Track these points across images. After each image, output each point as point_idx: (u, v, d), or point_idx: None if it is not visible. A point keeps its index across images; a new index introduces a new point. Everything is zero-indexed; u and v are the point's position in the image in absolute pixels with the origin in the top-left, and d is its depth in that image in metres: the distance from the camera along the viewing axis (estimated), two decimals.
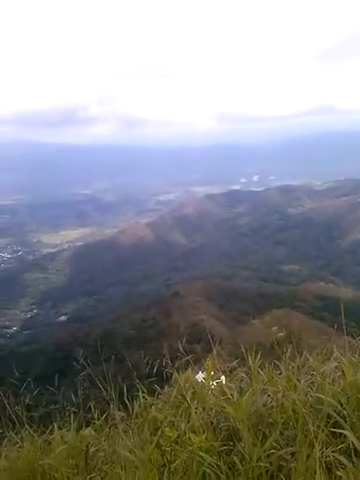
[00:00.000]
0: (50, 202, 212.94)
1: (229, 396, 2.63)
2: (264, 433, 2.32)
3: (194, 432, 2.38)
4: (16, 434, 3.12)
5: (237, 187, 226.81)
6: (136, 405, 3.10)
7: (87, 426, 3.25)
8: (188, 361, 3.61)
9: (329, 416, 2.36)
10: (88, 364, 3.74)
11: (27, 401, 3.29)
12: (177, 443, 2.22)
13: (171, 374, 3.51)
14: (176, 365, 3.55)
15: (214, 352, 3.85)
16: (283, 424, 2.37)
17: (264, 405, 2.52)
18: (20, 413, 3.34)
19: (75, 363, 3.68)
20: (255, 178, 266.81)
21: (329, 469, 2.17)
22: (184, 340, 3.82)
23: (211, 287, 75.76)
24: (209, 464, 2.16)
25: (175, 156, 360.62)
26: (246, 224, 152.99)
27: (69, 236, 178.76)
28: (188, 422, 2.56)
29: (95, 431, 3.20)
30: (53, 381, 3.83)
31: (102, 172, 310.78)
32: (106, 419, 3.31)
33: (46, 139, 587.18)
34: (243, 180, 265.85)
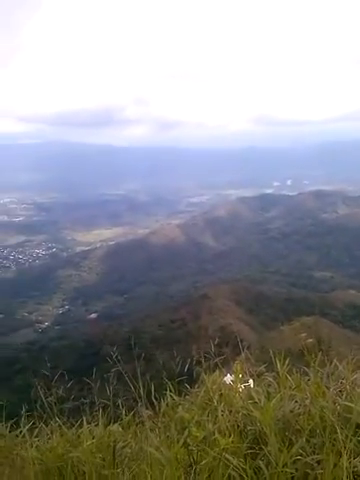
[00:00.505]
0: (85, 201, 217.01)
1: (256, 400, 2.63)
2: (290, 439, 2.31)
3: (220, 434, 2.40)
4: (46, 426, 3.21)
5: (270, 191, 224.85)
6: (163, 404, 3.14)
7: (115, 422, 3.30)
8: (216, 363, 3.63)
9: (358, 426, 2.33)
10: (119, 361, 3.80)
11: (59, 393, 3.37)
12: (204, 443, 2.25)
13: (199, 376, 3.54)
14: (204, 367, 3.58)
15: (242, 356, 3.85)
16: (310, 431, 2.36)
17: (291, 411, 2.51)
18: (51, 405, 3.44)
19: (109, 359, 3.75)
20: (289, 182, 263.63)
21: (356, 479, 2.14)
22: (213, 343, 3.84)
23: (240, 291, 75.26)
24: (235, 467, 2.17)
25: (208, 158, 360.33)
26: (278, 228, 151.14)
27: (102, 235, 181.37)
28: (214, 423, 2.58)
29: (122, 428, 3.25)
30: (82, 376, 3.92)
31: (136, 173, 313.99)
32: (133, 416, 3.37)
33: (83, 139, 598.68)
34: (276, 184, 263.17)
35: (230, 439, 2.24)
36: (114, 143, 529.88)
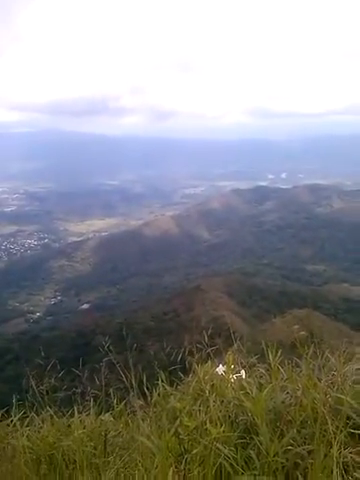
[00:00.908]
0: (78, 191, 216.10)
1: (248, 391, 2.64)
2: (282, 430, 2.32)
3: (212, 424, 2.40)
4: (38, 415, 3.21)
5: (264, 183, 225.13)
6: (155, 394, 3.14)
7: (107, 412, 3.31)
8: (208, 354, 3.64)
9: (349, 417, 2.34)
10: (110, 351, 3.80)
11: (52, 383, 3.36)
12: (195, 433, 2.25)
13: (191, 366, 3.55)
14: (196, 357, 3.58)
15: (234, 347, 3.86)
16: (301, 422, 2.37)
17: (283, 402, 2.51)
18: (42, 395, 3.44)
19: (100, 349, 3.75)
20: (283, 175, 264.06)
21: (346, 470, 2.16)
22: (205, 334, 3.85)
23: (233, 283, 75.54)
24: (226, 456, 2.18)
25: (203, 150, 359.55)
26: (272, 221, 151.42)
27: (95, 225, 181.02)
28: (206, 413, 2.58)
29: (114, 417, 3.26)
30: (73, 367, 3.91)
31: (131, 163, 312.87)
32: (125, 406, 3.37)
33: (77, 128, 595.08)
34: (271, 177, 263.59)
35: (221, 429, 2.24)
36: (109, 132, 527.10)
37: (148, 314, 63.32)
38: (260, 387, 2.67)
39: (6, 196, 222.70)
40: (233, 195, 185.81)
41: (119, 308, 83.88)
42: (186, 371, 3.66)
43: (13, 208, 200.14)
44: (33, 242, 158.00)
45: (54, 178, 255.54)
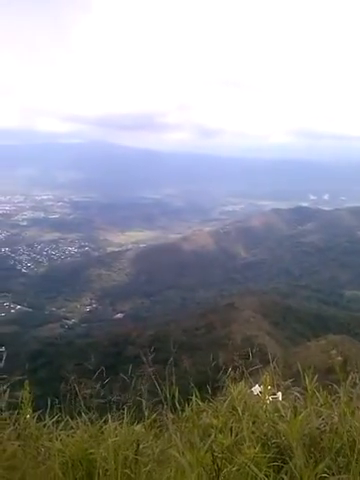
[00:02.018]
0: (120, 203, 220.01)
1: (282, 414, 2.60)
2: (316, 456, 2.28)
3: (245, 443, 2.39)
4: (72, 419, 3.27)
5: (306, 204, 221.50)
6: (187, 409, 3.15)
7: (138, 422, 3.33)
8: (242, 373, 3.62)
9: None
10: (142, 363, 3.84)
11: (86, 390, 3.43)
12: (229, 451, 2.24)
13: (223, 383, 3.54)
14: (230, 376, 3.57)
15: (268, 369, 3.82)
16: (337, 450, 2.32)
17: (318, 428, 2.47)
18: (77, 400, 3.51)
19: (132, 360, 3.80)
20: (326, 197, 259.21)
21: None
22: (237, 353, 3.83)
23: (267, 303, 74.39)
24: (260, 478, 2.15)
25: (246, 168, 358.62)
26: (311, 243, 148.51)
27: (134, 237, 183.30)
28: (237, 434, 2.57)
29: (144, 428, 3.28)
30: (104, 375, 3.96)
31: (173, 178, 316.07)
32: (156, 418, 3.39)
33: (124, 142, 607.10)
34: (313, 198, 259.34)
35: (256, 449, 2.22)
36: (154, 147, 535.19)
37: (180, 328, 63.16)
38: (295, 411, 2.64)
39: (51, 203, 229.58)
40: (273, 214, 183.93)
41: (151, 320, 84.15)
42: (218, 388, 3.65)
43: (57, 216, 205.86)
44: (74, 249, 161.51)
45: (98, 189, 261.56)
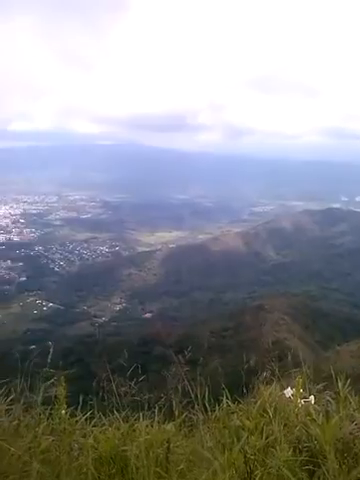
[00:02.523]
0: (151, 203, 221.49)
1: (314, 417, 2.58)
2: (349, 462, 2.25)
3: (274, 447, 2.38)
4: (105, 416, 3.33)
5: (337, 205, 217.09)
6: (218, 410, 3.16)
7: (168, 422, 3.36)
8: (272, 376, 3.60)
9: None
10: (171, 363, 3.87)
11: (124, 389, 3.49)
12: (261, 453, 2.24)
13: (253, 385, 3.53)
14: (261, 378, 3.56)
15: (299, 372, 3.78)
16: None
17: (351, 433, 2.44)
18: (108, 398, 3.58)
19: (161, 360, 3.83)
20: (358, 198, 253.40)
21: None
22: (267, 356, 3.82)
23: (297, 305, 73.20)
24: None
25: (276, 169, 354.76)
26: (343, 245, 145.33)
27: (164, 237, 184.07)
28: (267, 437, 2.56)
29: (175, 428, 3.30)
30: (134, 374, 4.02)
31: (203, 178, 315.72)
32: (186, 418, 3.41)
33: (155, 143, 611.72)
34: (344, 199, 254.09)
35: (289, 453, 2.22)
36: (185, 148, 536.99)
37: (208, 329, 62.95)
38: (327, 415, 2.61)
39: (84, 203, 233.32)
40: (303, 215, 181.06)
41: (180, 320, 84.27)
42: (247, 390, 3.64)
43: (89, 216, 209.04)
44: (105, 249, 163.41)
45: (129, 189, 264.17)
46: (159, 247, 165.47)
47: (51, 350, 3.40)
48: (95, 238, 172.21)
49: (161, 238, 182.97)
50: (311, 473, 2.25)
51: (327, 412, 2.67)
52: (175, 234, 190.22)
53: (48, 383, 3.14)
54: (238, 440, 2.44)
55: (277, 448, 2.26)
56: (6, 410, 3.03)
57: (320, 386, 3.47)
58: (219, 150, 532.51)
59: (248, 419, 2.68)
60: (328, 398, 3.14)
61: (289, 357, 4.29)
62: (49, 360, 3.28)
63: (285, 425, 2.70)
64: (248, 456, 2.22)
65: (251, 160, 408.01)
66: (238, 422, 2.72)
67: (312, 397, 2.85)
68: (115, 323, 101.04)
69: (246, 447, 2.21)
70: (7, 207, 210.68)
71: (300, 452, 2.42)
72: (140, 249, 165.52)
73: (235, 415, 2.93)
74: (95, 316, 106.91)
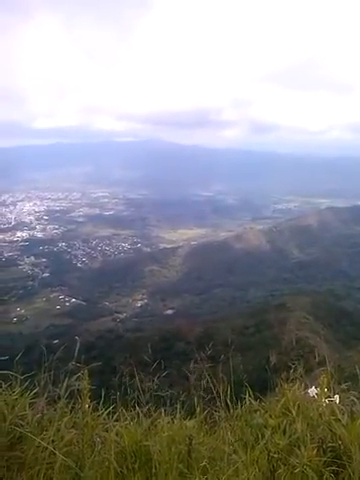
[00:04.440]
0: (173, 200, 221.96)
1: (339, 417, 2.54)
2: None
3: (297, 446, 2.35)
4: (127, 411, 3.35)
5: None
6: (240, 407, 3.14)
7: (189, 418, 3.36)
8: (295, 374, 3.56)
9: None
10: (190, 360, 3.87)
11: (148, 384, 3.50)
12: (284, 452, 2.21)
13: (274, 383, 3.50)
14: (283, 376, 3.52)
15: (323, 371, 3.73)
16: None
17: None
18: (130, 393, 3.60)
19: (182, 356, 3.83)
20: None
21: None
22: (290, 354, 3.78)
23: (320, 304, 72.24)
24: None
25: (301, 165, 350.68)
26: None
27: (186, 234, 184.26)
28: (290, 436, 2.53)
29: (196, 425, 3.30)
30: (153, 369, 4.03)
31: (226, 175, 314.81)
32: (208, 415, 3.40)
33: (178, 139, 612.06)
34: None
35: (313, 452, 2.18)
36: (208, 144, 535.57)
37: (229, 326, 62.72)
38: (352, 415, 2.56)
39: (107, 200, 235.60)
40: (328, 213, 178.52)
41: (201, 317, 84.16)
42: (269, 388, 3.61)
43: (112, 212, 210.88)
44: (127, 246, 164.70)
45: (152, 186, 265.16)
46: (181, 244, 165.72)
47: (78, 344, 3.43)
48: (117, 235, 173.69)
49: (183, 235, 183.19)
50: (336, 474, 2.21)
51: (352, 412, 2.62)
52: (197, 231, 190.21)
53: (73, 378, 3.17)
54: (261, 438, 2.41)
55: (301, 447, 2.23)
56: (30, 403, 3.07)
57: (344, 385, 3.41)
58: (243, 146, 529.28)
59: (271, 417, 2.64)
60: (353, 398, 3.09)
61: (315, 356, 4.24)
62: (76, 354, 3.31)
63: (309, 424, 2.66)
64: (271, 454, 2.20)
65: (275, 156, 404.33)
66: (261, 420, 2.69)
67: (337, 396, 2.80)
68: (136, 319, 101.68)
69: (269, 445, 2.18)
70: (31, 204, 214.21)
71: (324, 452, 2.38)
72: (162, 246, 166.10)
73: (257, 413, 2.91)
74: (117, 312, 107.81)
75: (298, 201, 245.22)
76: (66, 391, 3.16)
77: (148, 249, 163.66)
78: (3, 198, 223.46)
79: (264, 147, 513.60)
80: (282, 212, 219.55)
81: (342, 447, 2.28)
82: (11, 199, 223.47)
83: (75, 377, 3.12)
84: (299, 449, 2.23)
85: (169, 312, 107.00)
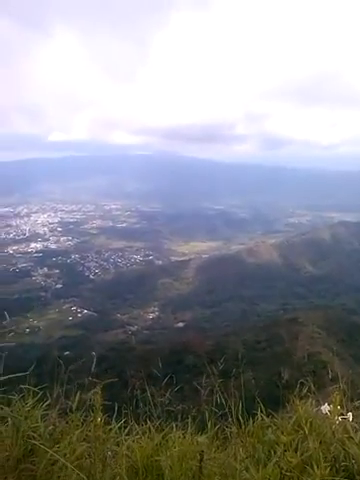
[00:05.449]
0: (185, 213, 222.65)
1: (352, 435, 2.51)
2: None
3: (310, 464, 2.32)
4: (138, 425, 3.35)
5: None
6: (251, 423, 3.12)
7: (200, 433, 3.34)
8: (308, 391, 3.53)
9: None
10: (201, 374, 3.86)
11: (161, 399, 3.50)
12: (296, 470, 2.19)
13: (286, 399, 3.47)
14: (295, 392, 3.49)
15: (335, 387, 3.69)
16: None
17: None
18: (142, 407, 3.60)
19: (192, 370, 3.83)
20: None
21: None
22: (298, 369, 3.76)
23: (333, 319, 71.30)
24: None
25: (313, 179, 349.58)
26: None
27: (197, 247, 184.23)
28: (302, 453, 2.50)
29: (208, 440, 3.28)
30: (165, 383, 4.02)
31: (238, 189, 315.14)
32: (219, 430, 3.38)
33: (191, 153, 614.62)
34: None
35: (326, 471, 2.16)
36: (221, 158, 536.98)
37: (240, 340, 62.13)
38: None
39: (119, 213, 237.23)
40: (340, 227, 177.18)
41: (212, 331, 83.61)
42: (280, 404, 3.58)
43: (124, 225, 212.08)
44: (139, 258, 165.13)
45: (164, 199, 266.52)
46: (193, 257, 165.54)
47: (94, 360, 3.44)
48: (130, 247, 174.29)
49: (195, 248, 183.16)
50: None
51: None
52: (209, 244, 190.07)
53: (87, 392, 3.18)
54: (273, 455, 2.40)
55: (314, 466, 2.21)
56: (42, 415, 3.08)
57: (357, 403, 3.37)
58: (255, 160, 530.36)
59: (283, 434, 2.62)
60: None
61: (328, 372, 4.20)
62: (93, 369, 3.32)
63: (321, 442, 2.64)
64: (283, 472, 2.18)
65: (287, 171, 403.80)
66: (273, 437, 2.67)
67: (350, 414, 2.77)
68: (147, 331, 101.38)
69: (281, 463, 2.16)
70: (45, 215, 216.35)
71: (337, 471, 2.35)
72: (174, 258, 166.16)
73: (269, 429, 2.88)
74: (128, 324, 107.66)
75: (310, 215, 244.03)
76: (79, 404, 3.17)
77: (160, 262, 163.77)
78: (18, 210, 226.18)
79: (276, 161, 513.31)
80: (294, 226, 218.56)
81: (356, 466, 2.25)
82: (26, 210, 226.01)
83: (91, 392, 3.12)
84: (312, 467, 2.21)
85: (180, 325, 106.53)
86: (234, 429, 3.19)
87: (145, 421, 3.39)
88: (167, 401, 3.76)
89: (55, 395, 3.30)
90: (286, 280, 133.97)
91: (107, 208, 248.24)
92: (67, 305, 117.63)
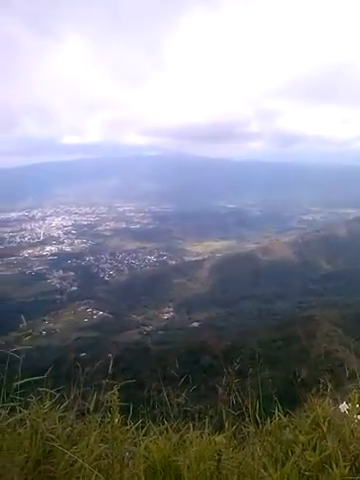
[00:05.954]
0: (198, 213, 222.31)
1: None
2: None
3: (329, 463, 2.30)
4: (155, 426, 3.36)
5: None
6: (269, 423, 3.10)
7: (218, 433, 3.34)
8: (325, 389, 3.49)
9: None
10: (217, 374, 3.84)
11: (179, 399, 3.50)
12: (315, 469, 2.18)
13: (304, 398, 3.44)
14: (312, 391, 3.46)
15: (354, 385, 3.65)
16: None
17: None
18: (158, 407, 3.60)
19: (208, 370, 3.82)
20: None
21: None
22: (315, 368, 3.72)
23: (350, 316, 70.55)
24: None
25: (328, 175, 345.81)
26: None
27: (211, 247, 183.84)
28: (320, 452, 2.48)
29: (225, 440, 3.26)
30: (179, 383, 4.02)
31: (251, 187, 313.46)
32: (236, 430, 3.37)
33: (203, 153, 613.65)
34: None
35: (346, 471, 2.14)
36: (233, 157, 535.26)
37: (256, 340, 61.83)
38: None
39: (132, 214, 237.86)
40: (356, 223, 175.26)
41: (227, 330, 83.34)
42: (298, 403, 3.55)
43: (138, 226, 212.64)
44: (153, 259, 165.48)
45: (177, 199, 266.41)
46: (206, 256, 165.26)
47: (111, 362, 3.46)
48: (143, 248, 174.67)
49: (208, 247, 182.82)
50: None
51: None
52: (223, 243, 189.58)
53: (105, 393, 3.19)
54: (291, 454, 2.38)
55: (333, 465, 2.19)
56: (60, 417, 3.10)
57: None
58: (268, 158, 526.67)
59: (301, 433, 2.60)
60: None
61: (345, 370, 4.15)
62: (110, 370, 3.33)
63: (340, 441, 2.61)
64: (302, 472, 2.16)
65: (301, 167, 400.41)
66: (291, 436, 2.65)
67: None
68: (163, 332, 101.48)
69: (300, 462, 2.15)
70: (59, 219, 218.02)
71: (357, 471, 2.33)
72: (187, 259, 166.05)
73: (287, 428, 2.86)
74: (143, 324, 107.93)
75: (324, 212, 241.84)
76: (96, 405, 3.18)
77: (174, 262, 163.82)
78: (33, 213, 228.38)
79: (289, 158, 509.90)
80: (308, 223, 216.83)
81: None
82: (40, 214, 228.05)
83: (108, 393, 3.13)
84: (331, 467, 2.19)
85: (195, 325, 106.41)
86: (252, 428, 3.18)
87: (162, 421, 3.39)
88: (184, 401, 3.76)
89: (72, 397, 3.32)
90: (301, 278, 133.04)
91: (120, 210, 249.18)
92: (82, 307, 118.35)
